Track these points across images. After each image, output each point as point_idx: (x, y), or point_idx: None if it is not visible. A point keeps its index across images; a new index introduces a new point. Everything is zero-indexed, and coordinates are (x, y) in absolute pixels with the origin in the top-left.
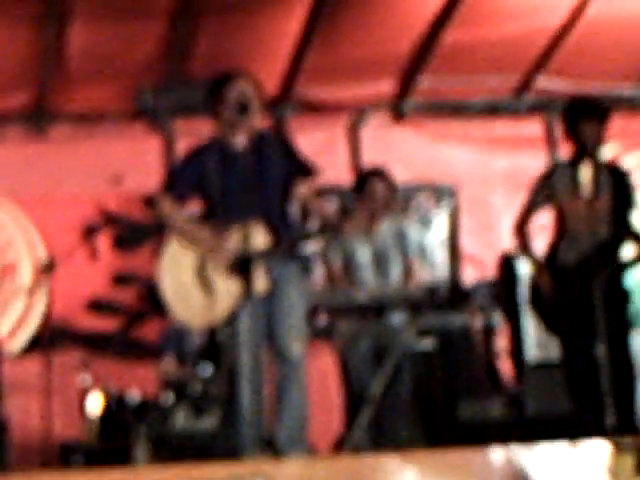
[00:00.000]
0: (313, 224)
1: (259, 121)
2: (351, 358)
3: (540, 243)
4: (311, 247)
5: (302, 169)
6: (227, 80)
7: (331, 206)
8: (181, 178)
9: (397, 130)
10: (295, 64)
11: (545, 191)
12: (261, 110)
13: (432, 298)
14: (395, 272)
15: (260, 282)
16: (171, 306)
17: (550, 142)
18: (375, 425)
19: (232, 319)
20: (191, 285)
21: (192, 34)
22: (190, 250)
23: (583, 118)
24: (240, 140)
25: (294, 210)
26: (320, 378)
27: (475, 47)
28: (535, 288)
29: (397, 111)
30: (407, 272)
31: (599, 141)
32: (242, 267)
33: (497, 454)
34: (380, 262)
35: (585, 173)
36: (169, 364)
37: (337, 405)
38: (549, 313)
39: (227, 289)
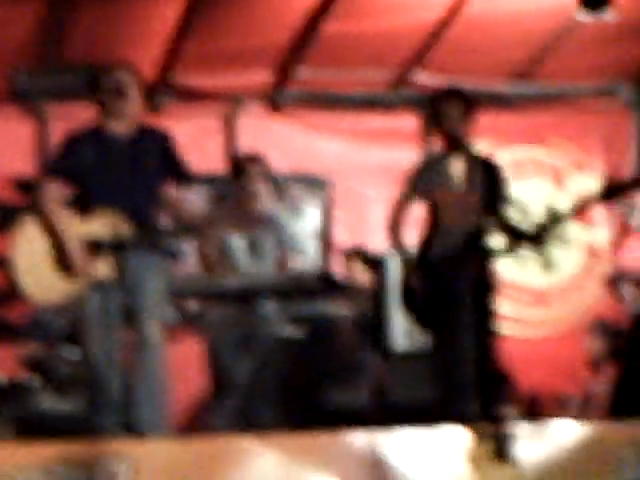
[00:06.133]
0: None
1: (138, 109)
2: (220, 344)
3: (413, 236)
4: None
5: (179, 173)
6: (106, 68)
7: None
8: (60, 166)
9: (273, 120)
10: (172, 51)
11: (418, 184)
12: (140, 98)
13: (302, 287)
14: (268, 260)
15: (114, 268)
16: (21, 280)
17: (424, 136)
18: (241, 411)
19: (83, 302)
20: (44, 262)
21: (69, 18)
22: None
23: (447, 106)
24: (120, 129)
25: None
26: (188, 363)
27: (352, 40)
28: (405, 281)
29: (273, 101)
30: (280, 261)
31: (466, 130)
32: (101, 252)
33: (356, 438)
34: (254, 250)
35: (457, 166)
36: (33, 346)
37: (203, 390)
38: (418, 306)
39: (83, 271)
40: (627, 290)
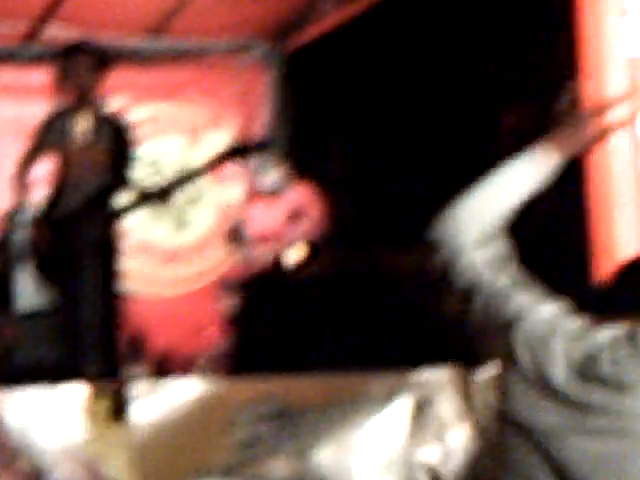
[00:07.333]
0: None
1: None
2: None
3: (42, 193)
4: None
5: None
6: None
7: None
8: None
9: None
10: None
11: (43, 140)
12: None
13: None
14: None
15: None
16: None
17: (55, 91)
18: None
19: None
20: None
21: None
22: None
23: (76, 61)
24: None
25: None
26: None
27: None
28: (31, 238)
29: None
30: None
31: (96, 86)
32: None
33: None
34: None
35: (82, 123)
36: None
37: None
38: (43, 264)
39: None
40: (249, 250)
